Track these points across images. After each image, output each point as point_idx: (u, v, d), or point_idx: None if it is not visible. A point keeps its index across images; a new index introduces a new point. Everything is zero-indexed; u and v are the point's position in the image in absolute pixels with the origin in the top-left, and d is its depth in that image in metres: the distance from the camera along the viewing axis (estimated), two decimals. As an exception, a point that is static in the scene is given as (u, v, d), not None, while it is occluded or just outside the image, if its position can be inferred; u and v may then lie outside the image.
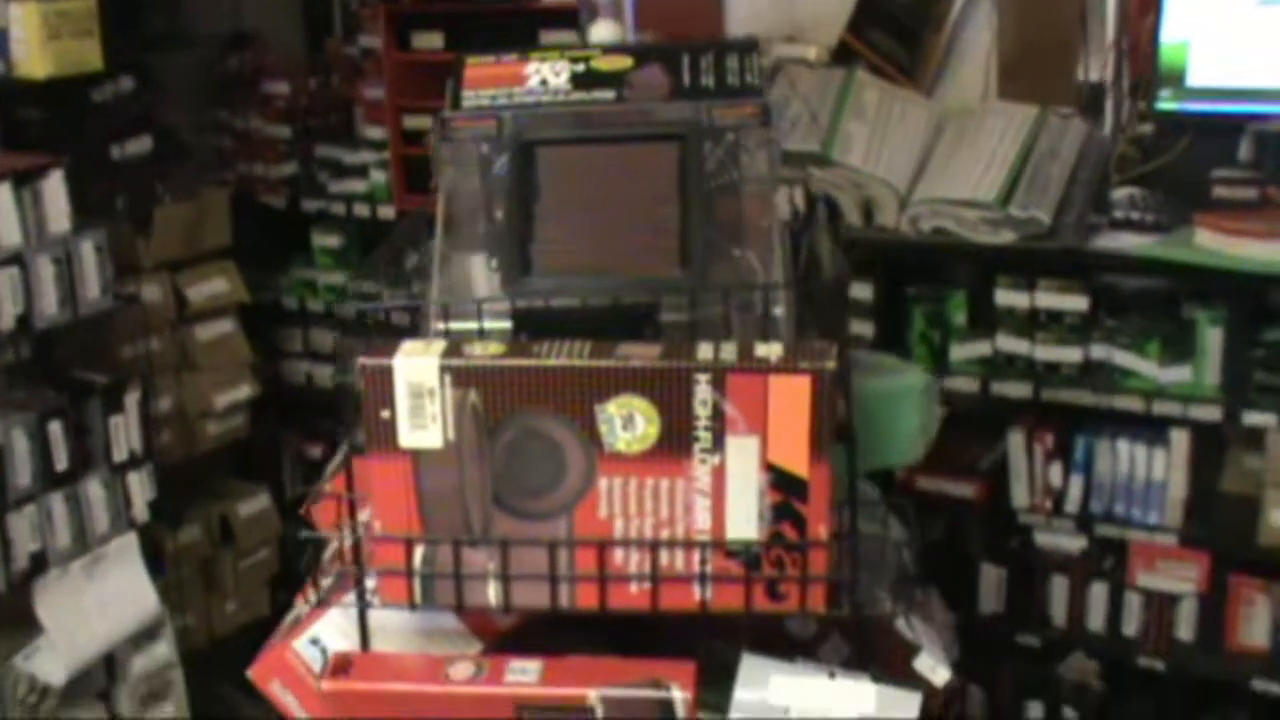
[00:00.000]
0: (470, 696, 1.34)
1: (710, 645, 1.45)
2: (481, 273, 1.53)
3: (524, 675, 1.34)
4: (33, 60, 2.56)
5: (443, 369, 1.34)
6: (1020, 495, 2.99)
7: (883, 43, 3.29)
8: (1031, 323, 2.91)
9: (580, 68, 1.63)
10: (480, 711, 1.34)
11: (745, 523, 1.35)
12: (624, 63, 1.63)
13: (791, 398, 1.31)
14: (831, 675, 1.39)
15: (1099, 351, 2.88)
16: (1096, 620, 3.04)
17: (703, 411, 1.32)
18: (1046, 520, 2.98)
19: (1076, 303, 2.88)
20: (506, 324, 1.46)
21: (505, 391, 1.34)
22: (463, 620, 1.49)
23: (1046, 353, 2.90)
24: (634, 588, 1.38)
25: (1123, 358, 2.85)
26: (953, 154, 2.98)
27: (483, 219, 1.57)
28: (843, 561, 1.39)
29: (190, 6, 3.59)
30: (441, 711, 1.35)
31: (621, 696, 1.32)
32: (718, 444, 1.33)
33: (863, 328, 3.11)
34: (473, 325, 1.46)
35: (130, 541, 2.96)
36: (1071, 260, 2.81)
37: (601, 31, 1.75)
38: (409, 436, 1.37)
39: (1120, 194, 2.88)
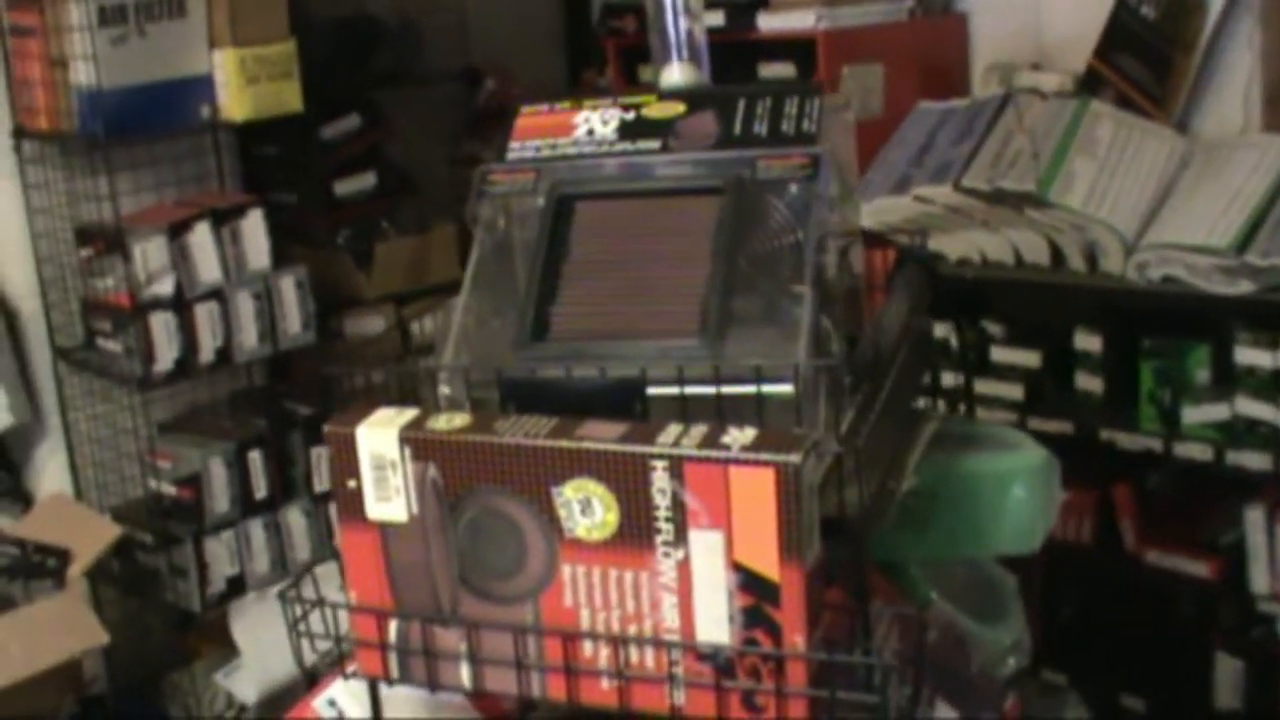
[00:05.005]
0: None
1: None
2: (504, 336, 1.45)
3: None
4: (233, 104, 2.67)
5: (402, 440, 1.28)
6: (1260, 580, 2.63)
7: (1133, 68, 2.99)
8: (1276, 385, 2.56)
9: (630, 116, 1.53)
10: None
11: (715, 625, 1.22)
12: (675, 109, 1.53)
13: (755, 492, 1.17)
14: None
15: (1355, 421, 2.51)
16: (1354, 727, 2.65)
17: (662, 501, 1.20)
18: (1290, 610, 2.62)
19: (1328, 365, 2.51)
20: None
21: (465, 468, 1.26)
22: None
23: (1292, 420, 2.55)
24: (604, 683, 1.27)
25: (1384, 430, 2.47)
26: (1194, 193, 2.67)
27: (510, 279, 1.49)
28: (831, 675, 1.23)
29: (431, 43, 3.66)
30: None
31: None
32: (680, 537, 1.20)
33: (1091, 384, 2.83)
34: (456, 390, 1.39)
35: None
36: (1321, 316, 2.46)
37: (673, 75, 1.63)
38: (375, 508, 1.32)
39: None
